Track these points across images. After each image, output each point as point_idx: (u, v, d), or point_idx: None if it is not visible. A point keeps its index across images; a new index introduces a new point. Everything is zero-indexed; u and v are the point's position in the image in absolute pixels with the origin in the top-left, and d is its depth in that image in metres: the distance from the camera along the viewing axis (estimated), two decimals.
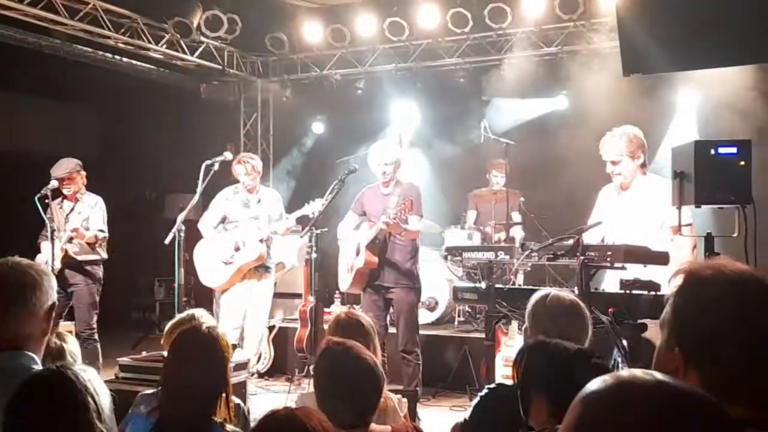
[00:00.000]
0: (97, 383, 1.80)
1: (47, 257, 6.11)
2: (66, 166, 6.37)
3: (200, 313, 3.16)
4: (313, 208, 6.10)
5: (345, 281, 6.00)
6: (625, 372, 0.99)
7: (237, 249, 6.34)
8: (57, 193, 6.37)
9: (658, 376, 0.97)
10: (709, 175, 3.77)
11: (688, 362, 1.38)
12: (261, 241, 6.35)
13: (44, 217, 6.09)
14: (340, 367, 2.35)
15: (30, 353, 2.05)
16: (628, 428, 0.91)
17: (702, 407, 0.94)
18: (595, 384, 0.98)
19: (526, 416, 2.08)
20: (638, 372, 0.99)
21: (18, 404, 1.71)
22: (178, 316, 3.26)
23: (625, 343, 3.61)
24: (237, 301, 6.44)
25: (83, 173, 6.50)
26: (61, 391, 1.72)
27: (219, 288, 6.53)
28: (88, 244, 6.37)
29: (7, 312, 2.04)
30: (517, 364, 2.27)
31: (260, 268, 6.46)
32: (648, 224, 4.40)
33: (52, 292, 2.12)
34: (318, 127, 10.27)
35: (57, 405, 1.71)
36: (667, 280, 1.56)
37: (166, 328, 3.16)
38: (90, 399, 1.73)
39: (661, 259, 3.84)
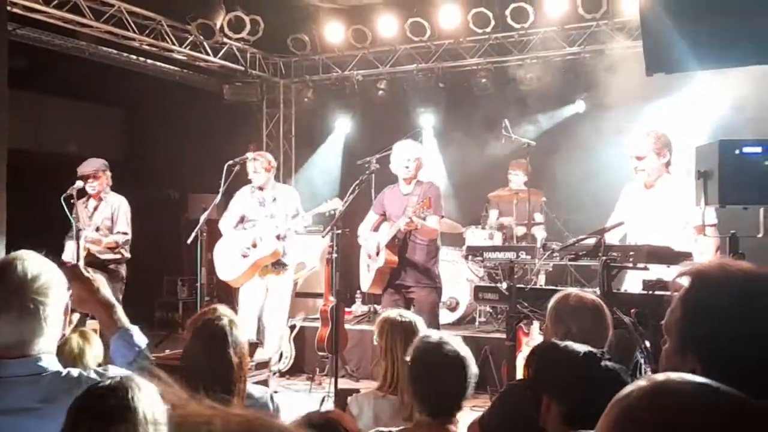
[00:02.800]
0: (153, 398, 1.79)
1: (71, 256, 6.20)
2: (93, 164, 6.53)
3: (222, 308, 3.18)
4: (330, 206, 6.12)
5: (366, 281, 6.01)
6: (659, 375, 0.99)
7: (254, 245, 6.37)
8: (82, 193, 6.49)
9: (693, 377, 0.97)
10: (733, 175, 3.73)
11: (704, 366, 1.36)
12: (277, 237, 6.36)
13: (70, 216, 6.18)
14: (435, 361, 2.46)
15: (48, 354, 2.00)
16: (668, 429, 0.91)
17: (740, 406, 0.93)
18: (630, 387, 0.97)
19: (537, 418, 2.07)
20: (672, 374, 0.98)
21: (79, 416, 1.69)
22: (201, 311, 3.29)
23: (647, 344, 3.58)
24: (253, 296, 6.48)
25: (108, 174, 6.61)
26: (124, 406, 1.69)
27: (234, 282, 6.55)
28: (108, 248, 6.46)
29: (19, 315, 1.95)
30: (527, 368, 2.27)
31: (277, 265, 6.47)
32: (671, 223, 4.37)
33: (66, 291, 2.07)
34: (343, 124, 10.19)
35: (116, 419, 1.68)
36: (672, 279, 1.53)
37: (188, 323, 3.18)
38: (150, 412, 1.73)
39: (685, 259, 3.81)
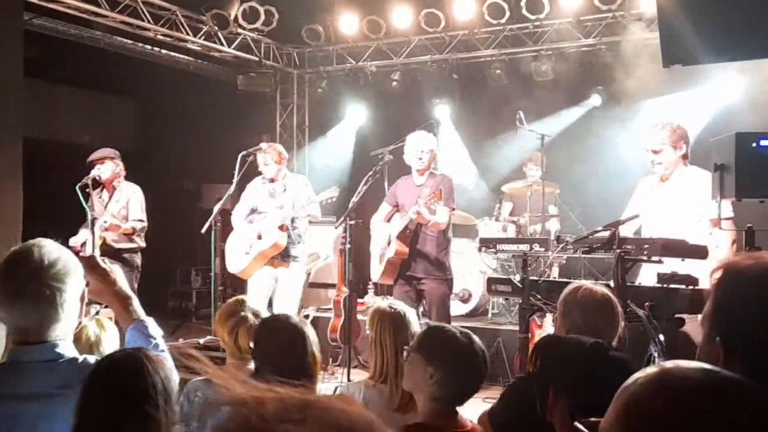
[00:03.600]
0: (168, 367, 1.82)
1: (81, 240, 6.27)
2: (101, 151, 6.61)
3: (249, 302, 3.23)
4: (327, 195, 6.14)
5: (376, 272, 6.02)
6: (667, 363, 1.00)
7: (259, 237, 6.35)
8: (97, 183, 6.53)
9: (701, 364, 0.98)
10: (750, 168, 3.71)
11: (727, 352, 1.37)
12: (281, 228, 6.26)
13: (85, 206, 6.22)
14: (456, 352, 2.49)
15: (65, 341, 2.02)
16: (674, 414, 0.91)
17: (746, 392, 0.94)
18: (639, 374, 0.98)
19: (543, 412, 2.06)
20: (680, 362, 0.99)
21: (91, 385, 1.74)
22: (227, 304, 3.32)
23: (662, 337, 3.56)
24: (262, 286, 6.45)
25: (118, 161, 6.65)
26: (133, 374, 1.74)
27: (242, 274, 6.54)
28: (125, 234, 6.50)
29: (36, 301, 1.96)
30: (532, 361, 2.26)
31: (285, 257, 6.37)
32: (687, 216, 4.34)
33: (82, 278, 2.07)
34: (355, 111, 10.15)
35: (128, 388, 1.73)
36: (708, 276, 1.56)
37: (218, 316, 3.22)
38: (160, 383, 1.76)
39: (700, 252, 3.78)
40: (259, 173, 6.56)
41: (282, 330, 2.68)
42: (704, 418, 0.89)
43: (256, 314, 3.11)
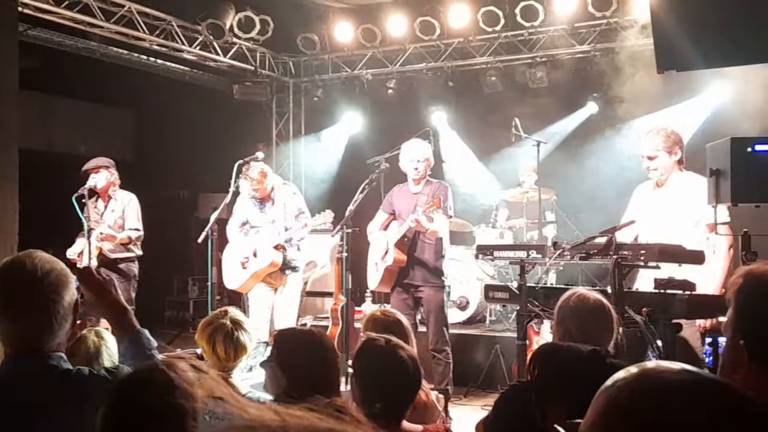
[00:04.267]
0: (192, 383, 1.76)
1: (78, 251, 6.26)
2: (96, 161, 6.61)
3: (233, 311, 3.18)
4: (321, 220, 6.14)
5: (374, 279, 6.01)
6: (648, 363, 1.01)
7: (255, 254, 6.32)
8: (93, 193, 6.53)
9: (680, 365, 0.98)
10: (745, 173, 3.71)
11: (751, 355, 1.42)
12: (276, 247, 6.25)
13: (81, 216, 6.22)
14: (379, 363, 2.38)
15: (58, 353, 2.01)
16: (653, 414, 0.91)
17: (724, 392, 0.94)
18: (619, 374, 0.99)
19: (541, 420, 2.06)
20: (661, 362, 1.01)
21: (120, 402, 1.66)
22: (211, 314, 3.29)
23: (660, 343, 3.57)
24: (263, 299, 6.45)
25: (113, 171, 6.64)
26: (167, 391, 1.64)
27: (240, 290, 6.55)
28: (122, 243, 6.49)
29: (29, 311, 1.96)
30: (530, 369, 2.25)
31: (286, 270, 6.41)
32: (683, 222, 4.35)
33: (75, 290, 2.07)
34: (349, 119, 10.14)
35: (163, 406, 1.63)
36: (728, 287, 1.63)
37: (199, 326, 3.17)
38: (188, 400, 1.70)
39: (696, 258, 3.79)
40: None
41: (313, 344, 2.64)
42: (682, 418, 0.90)
43: (235, 322, 3.05)
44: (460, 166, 9.52)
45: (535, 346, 5.50)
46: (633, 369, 0.99)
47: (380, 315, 3.22)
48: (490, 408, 2.63)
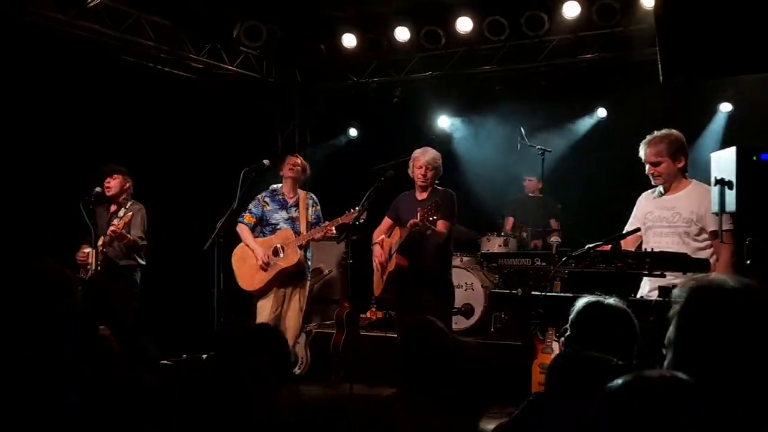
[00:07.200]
0: None
1: (85, 255, 6.28)
2: (111, 167, 6.58)
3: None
4: (348, 218, 6.20)
5: (378, 286, 6.03)
6: (644, 370, 1.29)
7: (276, 253, 6.37)
8: (101, 199, 6.53)
9: (665, 371, 1.27)
10: (751, 182, 3.72)
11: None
12: (300, 247, 6.38)
13: (88, 222, 6.21)
14: None
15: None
16: (640, 413, 1.20)
17: (694, 392, 1.23)
18: (615, 381, 1.29)
19: None
20: (651, 370, 1.31)
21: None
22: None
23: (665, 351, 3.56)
24: (271, 306, 6.47)
25: (128, 179, 6.66)
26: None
27: (255, 291, 6.56)
28: (127, 247, 6.45)
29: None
30: (550, 379, 2.23)
31: (298, 275, 6.48)
32: (687, 229, 4.34)
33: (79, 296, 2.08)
34: (359, 128, 10.19)
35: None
36: (670, 295, 1.60)
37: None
38: None
39: (701, 266, 3.80)
40: (263, 189, 6.61)
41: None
42: (662, 412, 1.19)
43: None
44: (465, 174, 9.53)
45: (539, 355, 5.50)
46: (627, 376, 1.31)
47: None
48: (493, 415, 2.63)
